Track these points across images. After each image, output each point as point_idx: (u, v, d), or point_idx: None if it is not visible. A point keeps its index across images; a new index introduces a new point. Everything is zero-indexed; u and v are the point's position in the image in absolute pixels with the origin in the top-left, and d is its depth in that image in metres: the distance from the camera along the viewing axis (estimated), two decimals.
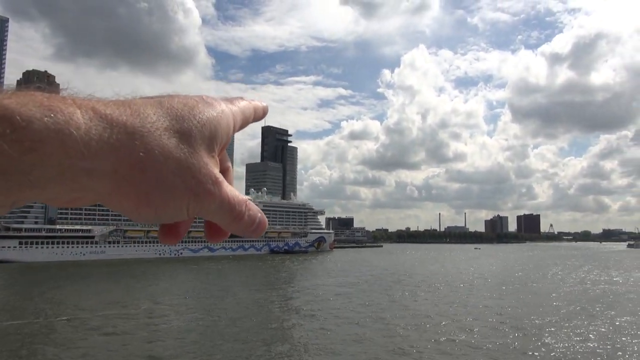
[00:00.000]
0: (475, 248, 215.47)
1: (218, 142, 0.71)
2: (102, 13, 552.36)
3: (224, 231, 0.76)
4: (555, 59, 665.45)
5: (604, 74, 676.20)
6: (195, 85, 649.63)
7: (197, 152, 0.66)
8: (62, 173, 0.56)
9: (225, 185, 0.69)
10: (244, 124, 0.80)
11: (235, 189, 0.71)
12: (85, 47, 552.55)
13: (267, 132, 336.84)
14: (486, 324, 30.88)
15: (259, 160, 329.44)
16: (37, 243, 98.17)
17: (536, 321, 31.69)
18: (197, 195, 0.65)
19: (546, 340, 26.29)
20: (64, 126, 0.55)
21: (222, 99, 0.76)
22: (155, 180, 0.62)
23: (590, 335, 27.72)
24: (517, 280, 61.00)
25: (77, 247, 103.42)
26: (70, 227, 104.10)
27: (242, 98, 0.82)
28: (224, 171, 0.76)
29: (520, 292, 48.72)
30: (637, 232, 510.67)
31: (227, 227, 0.72)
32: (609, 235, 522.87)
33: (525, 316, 33.54)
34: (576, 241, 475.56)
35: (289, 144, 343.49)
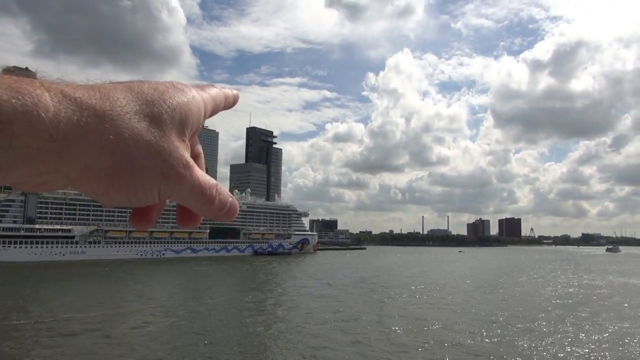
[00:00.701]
0: (460, 251, 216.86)
1: (189, 127, 0.71)
2: (84, 10, 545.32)
3: (196, 215, 0.77)
4: (536, 66, 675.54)
5: (584, 82, 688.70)
6: None
7: (167, 136, 0.66)
8: (30, 155, 0.56)
9: (196, 169, 0.69)
10: (214, 111, 0.81)
11: (205, 174, 0.71)
12: (67, 45, 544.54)
13: (252, 133, 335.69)
14: (471, 326, 31.17)
15: (243, 161, 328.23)
16: (15, 242, 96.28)
17: (524, 324, 32.11)
18: (167, 178, 0.65)
19: (531, 344, 26.68)
20: (32, 108, 0.55)
21: (193, 86, 0.76)
22: (126, 163, 0.61)
23: (571, 338, 28.21)
24: (502, 284, 61.68)
25: (57, 247, 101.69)
26: (50, 226, 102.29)
27: (212, 85, 0.82)
28: (195, 156, 0.77)
29: (506, 295, 49.29)
30: (615, 236, 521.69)
31: (198, 210, 0.72)
32: (588, 240, 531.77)
33: (513, 319, 33.98)
34: (556, 245, 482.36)
35: (273, 146, 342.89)
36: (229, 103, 0.85)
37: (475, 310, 38.17)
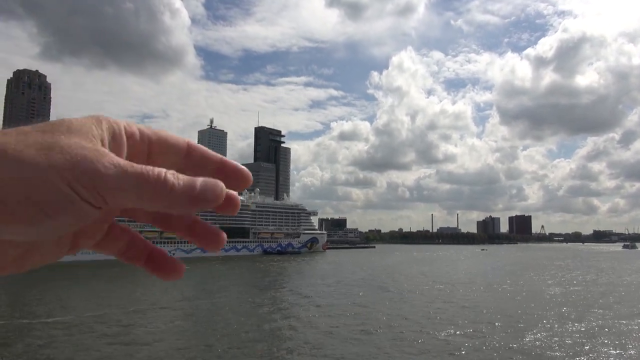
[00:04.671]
0: (482, 249, 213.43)
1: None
2: (88, 12, 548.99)
3: (178, 221, 0.70)
4: (540, 62, 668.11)
5: (589, 77, 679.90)
6: (184, 85, 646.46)
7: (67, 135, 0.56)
8: None
9: (112, 156, 0.57)
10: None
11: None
12: (72, 47, 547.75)
13: (260, 132, 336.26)
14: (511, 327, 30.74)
15: (251, 161, 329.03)
16: None
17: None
18: (77, 179, 0.53)
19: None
20: None
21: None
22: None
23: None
24: (557, 282, 61.00)
25: None
26: None
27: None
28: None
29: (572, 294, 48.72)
30: (627, 233, 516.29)
31: (163, 207, 0.58)
32: (599, 237, 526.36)
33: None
34: (567, 242, 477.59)
35: (281, 145, 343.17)
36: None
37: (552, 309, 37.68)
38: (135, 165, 0.57)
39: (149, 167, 0.58)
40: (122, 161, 0.57)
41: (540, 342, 26.29)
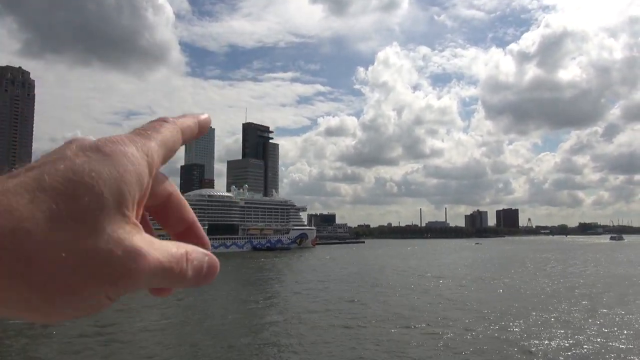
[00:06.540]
0: (477, 243, 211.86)
1: (130, 201, 0.53)
2: (69, 8, 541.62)
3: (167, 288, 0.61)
4: (523, 57, 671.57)
5: (572, 72, 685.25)
6: (170, 82, 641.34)
7: (100, 231, 0.49)
8: None
9: (153, 250, 0.52)
10: (167, 157, 0.61)
11: (170, 244, 0.56)
12: (54, 43, 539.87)
13: (248, 129, 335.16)
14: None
15: (240, 157, 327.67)
16: None
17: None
18: (114, 282, 0.49)
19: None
20: None
21: (130, 136, 0.56)
22: (50, 288, 0.47)
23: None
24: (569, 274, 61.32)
25: None
26: None
27: (164, 120, 0.62)
28: (166, 200, 0.64)
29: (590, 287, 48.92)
30: (611, 225, 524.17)
31: (171, 287, 0.59)
32: (585, 229, 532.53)
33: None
34: (553, 235, 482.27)
35: (270, 141, 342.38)
36: (193, 134, 0.67)
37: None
38: (163, 257, 0.53)
39: (178, 259, 0.55)
40: (157, 256, 0.53)
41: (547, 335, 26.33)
